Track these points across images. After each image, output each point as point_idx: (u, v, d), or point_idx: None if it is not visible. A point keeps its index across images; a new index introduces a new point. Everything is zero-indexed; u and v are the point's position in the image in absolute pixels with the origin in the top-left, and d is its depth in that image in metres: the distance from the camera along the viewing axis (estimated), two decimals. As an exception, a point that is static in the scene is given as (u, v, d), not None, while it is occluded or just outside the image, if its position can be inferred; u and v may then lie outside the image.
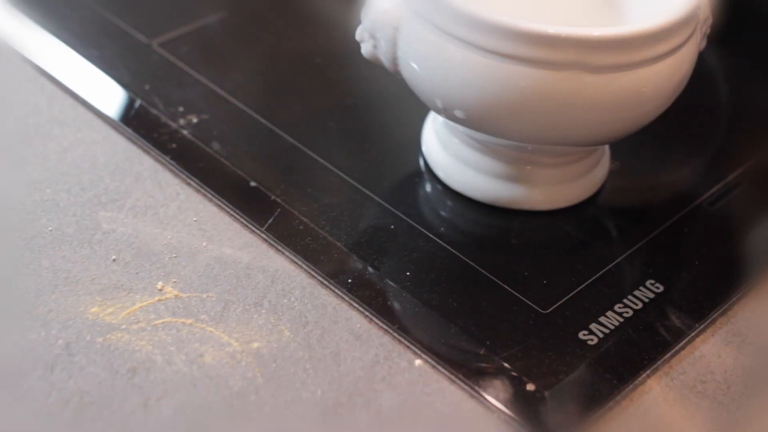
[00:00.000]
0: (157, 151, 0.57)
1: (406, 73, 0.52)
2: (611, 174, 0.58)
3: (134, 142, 0.58)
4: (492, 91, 0.49)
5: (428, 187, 0.57)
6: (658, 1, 0.53)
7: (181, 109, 0.59)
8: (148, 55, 0.63)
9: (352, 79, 0.64)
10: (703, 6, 0.53)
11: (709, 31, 0.54)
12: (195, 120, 0.59)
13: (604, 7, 0.57)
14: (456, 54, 0.49)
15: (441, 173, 0.57)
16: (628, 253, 0.54)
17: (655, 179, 0.59)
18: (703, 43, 0.54)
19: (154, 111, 0.59)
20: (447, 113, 0.52)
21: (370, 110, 0.62)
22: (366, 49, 0.54)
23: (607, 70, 0.49)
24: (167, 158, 0.56)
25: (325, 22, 0.69)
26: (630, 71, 0.49)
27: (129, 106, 0.59)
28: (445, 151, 0.57)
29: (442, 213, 0.56)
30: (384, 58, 0.53)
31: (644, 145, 0.59)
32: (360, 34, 0.54)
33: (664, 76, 0.50)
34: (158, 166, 0.56)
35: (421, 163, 0.58)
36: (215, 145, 0.57)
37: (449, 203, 0.56)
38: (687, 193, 0.57)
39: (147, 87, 0.60)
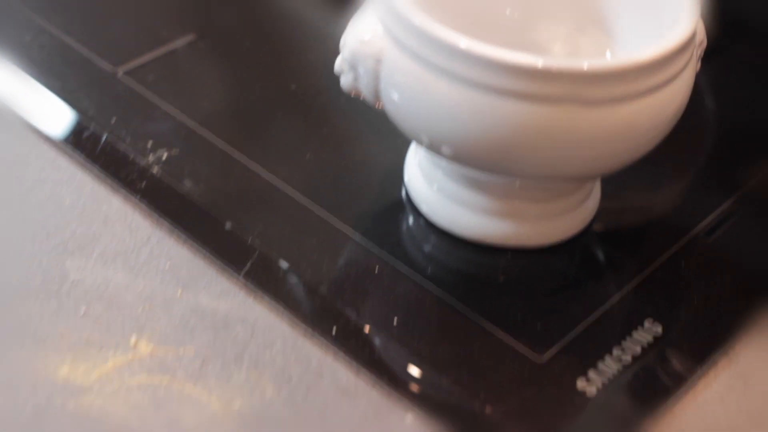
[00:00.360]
0: (125, 190, 0.54)
1: (389, 108, 0.50)
2: (602, 205, 0.55)
3: (102, 181, 0.54)
4: (481, 126, 0.47)
5: (412, 222, 0.54)
6: (652, 23, 0.51)
7: (150, 143, 0.56)
8: (113, 84, 0.60)
9: (329, 107, 0.61)
10: (699, 29, 0.50)
11: (702, 54, 0.52)
12: (165, 155, 0.55)
13: (596, 31, 0.55)
14: (442, 88, 0.47)
15: (424, 207, 0.54)
16: (623, 291, 0.51)
17: (649, 209, 0.57)
18: (698, 66, 0.52)
19: (122, 146, 0.56)
20: (433, 148, 0.49)
21: (350, 139, 0.59)
22: (346, 82, 0.51)
23: (603, 103, 0.46)
24: (137, 198, 0.53)
25: (300, 44, 0.66)
26: (627, 103, 0.46)
27: (95, 142, 0.56)
28: (428, 184, 0.54)
29: (427, 251, 0.53)
30: (365, 92, 0.50)
31: (635, 172, 0.56)
32: (339, 65, 0.51)
33: (663, 105, 0.48)
34: (127, 208, 0.53)
35: (404, 195, 0.55)
36: (187, 183, 0.54)
37: (434, 239, 0.53)
38: (682, 224, 0.55)
39: (113, 120, 0.57)
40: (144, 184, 0.54)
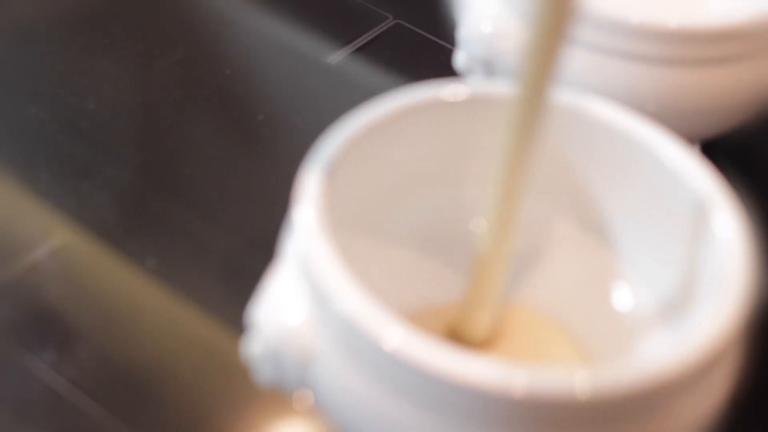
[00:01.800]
0: None
1: (332, 420, 0.37)
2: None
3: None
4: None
5: None
6: (676, 249, 0.39)
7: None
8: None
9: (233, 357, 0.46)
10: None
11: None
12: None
13: (597, 244, 0.42)
14: (392, 410, 0.33)
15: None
16: None
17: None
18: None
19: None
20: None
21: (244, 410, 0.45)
22: (264, 376, 0.37)
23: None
24: None
25: (190, 253, 0.51)
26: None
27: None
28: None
29: None
30: (291, 392, 0.37)
31: None
32: (254, 354, 0.37)
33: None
34: None
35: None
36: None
37: None
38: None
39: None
40: None
